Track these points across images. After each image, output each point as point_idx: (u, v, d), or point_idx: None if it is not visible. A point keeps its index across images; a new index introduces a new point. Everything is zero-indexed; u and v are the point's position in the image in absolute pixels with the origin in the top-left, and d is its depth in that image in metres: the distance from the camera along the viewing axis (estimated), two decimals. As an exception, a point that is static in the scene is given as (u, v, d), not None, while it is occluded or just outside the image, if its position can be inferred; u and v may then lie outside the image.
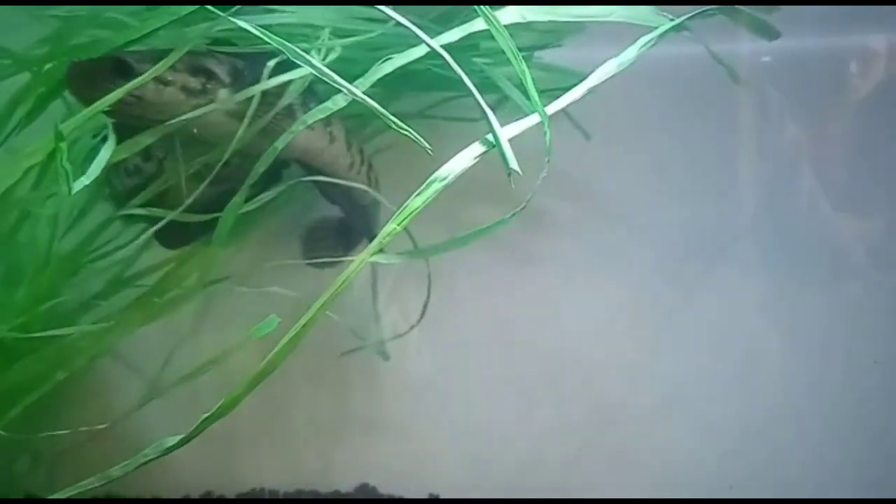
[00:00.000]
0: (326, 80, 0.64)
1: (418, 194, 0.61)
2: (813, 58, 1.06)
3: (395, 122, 0.63)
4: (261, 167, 0.75)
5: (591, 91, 0.66)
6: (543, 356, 1.11)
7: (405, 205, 0.61)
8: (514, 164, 0.60)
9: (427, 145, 0.62)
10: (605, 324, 1.12)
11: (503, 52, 0.66)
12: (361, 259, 0.60)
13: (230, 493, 1.12)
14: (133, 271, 0.91)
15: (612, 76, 0.67)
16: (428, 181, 0.62)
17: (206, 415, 0.58)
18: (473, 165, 0.62)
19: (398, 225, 0.61)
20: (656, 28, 0.69)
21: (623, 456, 1.12)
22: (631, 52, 0.69)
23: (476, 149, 0.62)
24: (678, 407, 1.12)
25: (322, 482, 1.14)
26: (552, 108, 0.65)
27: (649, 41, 0.69)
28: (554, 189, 1.08)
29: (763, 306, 1.12)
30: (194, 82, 0.72)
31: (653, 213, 1.13)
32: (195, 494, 1.12)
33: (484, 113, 0.62)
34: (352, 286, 0.59)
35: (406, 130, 0.62)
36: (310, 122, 0.73)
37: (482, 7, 0.65)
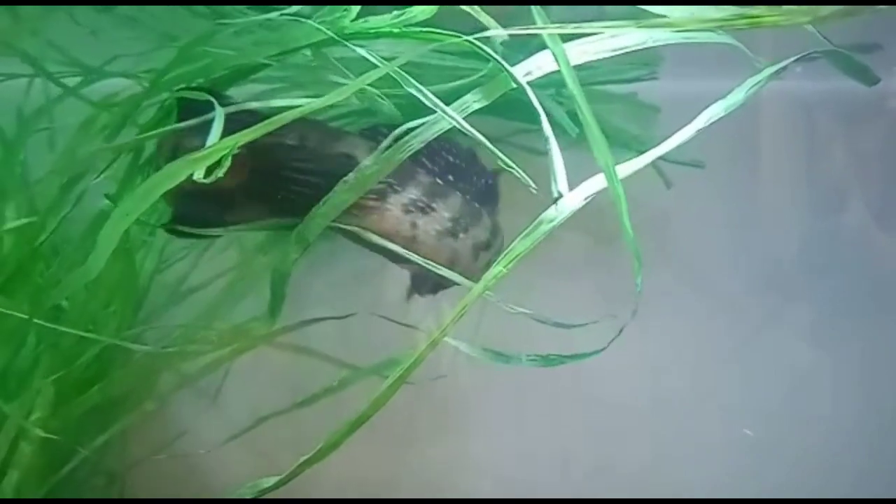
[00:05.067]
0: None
1: (525, 236, 0.60)
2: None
3: (502, 159, 0.61)
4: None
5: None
6: (607, 390, 1.09)
7: (511, 247, 0.60)
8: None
9: (532, 183, 0.61)
10: (667, 359, 1.11)
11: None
12: (468, 301, 0.59)
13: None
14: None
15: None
16: (536, 222, 0.60)
17: (304, 457, 0.57)
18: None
19: (504, 268, 0.60)
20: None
21: (680, 488, 1.11)
22: (738, 95, 0.67)
23: (587, 188, 0.61)
24: (737, 441, 1.11)
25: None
26: (658, 151, 0.64)
27: (759, 83, 0.68)
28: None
29: (833, 342, 1.10)
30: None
31: (717, 246, 1.11)
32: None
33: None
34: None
35: (512, 167, 0.61)
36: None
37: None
